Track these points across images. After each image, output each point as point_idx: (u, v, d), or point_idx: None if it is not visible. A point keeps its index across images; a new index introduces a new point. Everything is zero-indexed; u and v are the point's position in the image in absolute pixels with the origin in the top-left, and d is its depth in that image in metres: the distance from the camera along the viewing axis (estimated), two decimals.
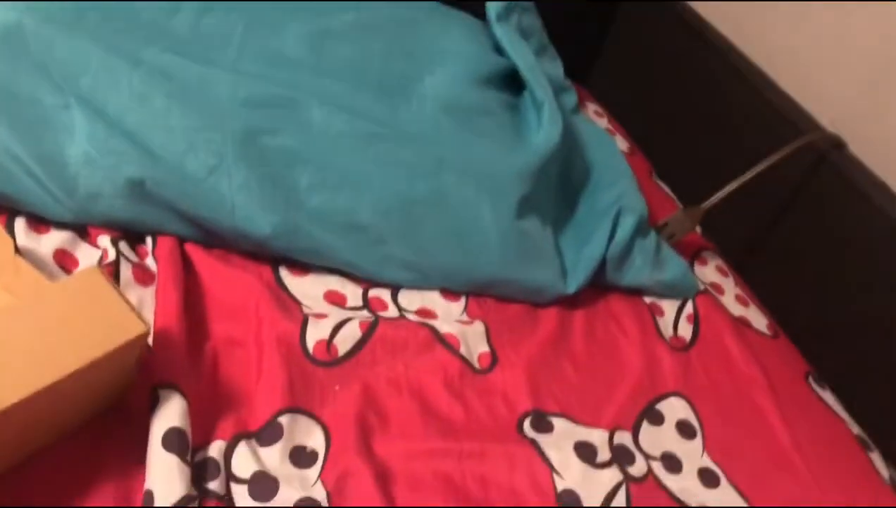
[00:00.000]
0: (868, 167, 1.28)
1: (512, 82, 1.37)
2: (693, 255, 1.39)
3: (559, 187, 1.29)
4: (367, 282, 1.13)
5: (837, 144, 1.31)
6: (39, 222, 1.01)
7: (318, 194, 1.08)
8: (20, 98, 1.01)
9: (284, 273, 1.09)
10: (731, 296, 1.33)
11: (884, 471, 1.11)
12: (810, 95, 1.38)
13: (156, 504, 0.76)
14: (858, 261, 1.28)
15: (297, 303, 1.06)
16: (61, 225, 1.02)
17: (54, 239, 1.00)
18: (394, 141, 1.14)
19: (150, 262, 1.03)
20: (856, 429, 1.17)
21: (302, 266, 1.11)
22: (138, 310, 0.80)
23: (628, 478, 0.98)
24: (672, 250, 1.29)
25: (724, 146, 1.50)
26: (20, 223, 0.99)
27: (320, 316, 1.03)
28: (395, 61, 1.27)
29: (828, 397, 1.21)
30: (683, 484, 1.01)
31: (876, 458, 1.13)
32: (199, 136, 1.05)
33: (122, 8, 1.13)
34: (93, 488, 0.79)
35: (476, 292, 1.17)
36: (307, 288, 1.09)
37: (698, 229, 1.45)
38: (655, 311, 1.24)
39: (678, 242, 1.34)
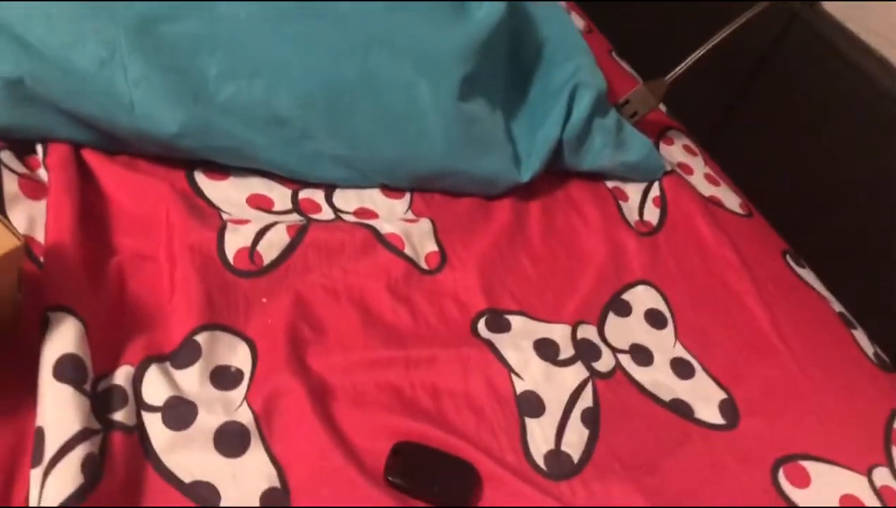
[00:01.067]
0: (841, 22, 1.17)
1: None
2: (658, 135, 1.28)
3: (508, 67, 1.16)
4: (296, 183, 1.01)
5: (792, 10, 1.19)
6: None
7: (229, 84, 0.94)
8: None
9: (200, 177, 0.97)
10: (700, 175, 1.23)
11: (868, 348, 1.04)
12: None
13: (47, 442, 0.65)
14: (836, 127, 1.18)
15: (216, 209, 0.94)
16: None
17: None
18: (314, 19, 1.00)
19: (41, 173, 0.90)
20: (838, 307, 1.09)
21: (220, 169, 0.98)
22: (9, 222, 0.68)
23: (594, 374, 0.90)
24: (635, 129, 1.18)
25: (685, 16, 1.38)
26: None
27: (241, 222, 0.92)
28: None
29: (807, 275, 1.13)
30: (655, 377, 0.92)
31: (860, 335, 1.05)
32: (85, 25, 0.91)
33: None
34: None
35: (420, 187, 1.05)
36: (227, 193, 0.96)
37: (662, 107, 1.34)
38: (619, 196, 1.14)
39: (641, 121, 1.23)
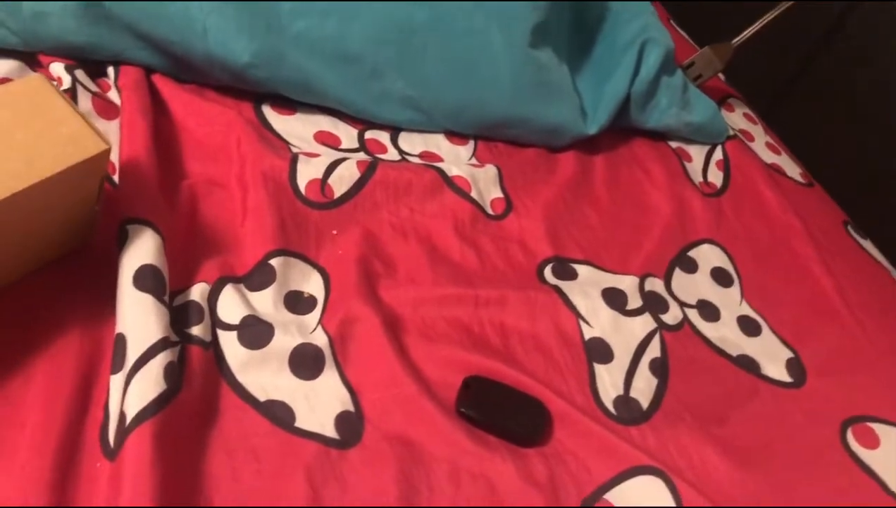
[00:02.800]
0: None
1: None
2: (719, 102, 1.26)
3: (574, 24, 1.14)
4: (362, 123, 1.00)
5: None
6: None
7: (302, 18, 0.93)
8: None
9: (268, 111, 0.96)
10: (761, 143, 1.22)
11: None
12: None
13: (129, 349, 0.64)
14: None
15: (284, 142, 0.93)
16: (7, 53, 0.87)
17: None
18: None
19: (112, 95, 0.89)
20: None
21: (288, 104, 0.97)
22: (96, 127, 0.67)
23: (662, 326, 0.88)
24: (699, 90, 1.16)
25: None
26: None
27: (311, 155, 0.91)
28: None
29: (868, 246, 1.11)
30: (722, 333, 0.91)
31: None
32: None
33: None
34: (56, 335, 0.67)
35: (486, 134, 1.04)
36: (294, 128, 0.95)
37: (721, 77, 1.32)
38: (683, 156, 1.13)
39: (703, 85, 1.21)
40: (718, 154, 1.15)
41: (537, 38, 1.03)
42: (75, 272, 0.72)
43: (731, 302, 0.95)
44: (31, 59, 0.88)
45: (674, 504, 0.72)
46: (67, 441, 0.62)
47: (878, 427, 0.86)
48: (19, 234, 0.66)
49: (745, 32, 1.20)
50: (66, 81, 0.85)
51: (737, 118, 1.25)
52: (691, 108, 1.13)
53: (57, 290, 0.70)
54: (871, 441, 0.85)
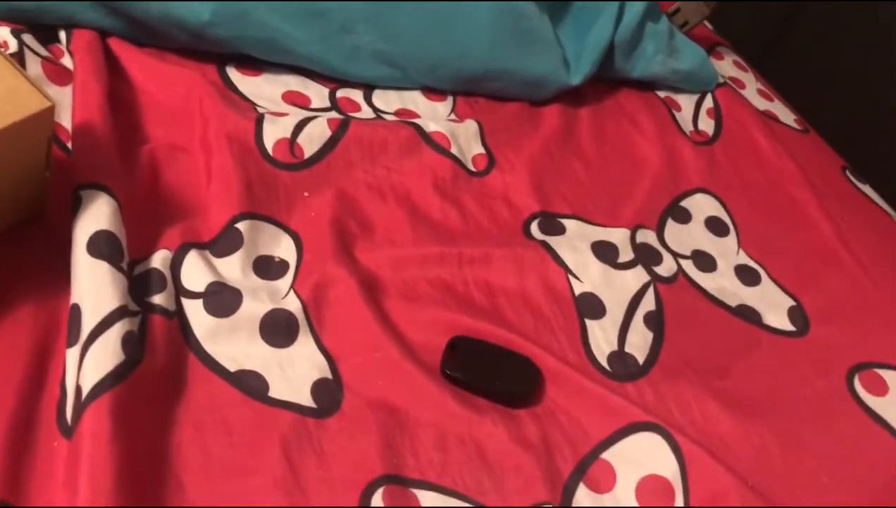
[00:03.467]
0: None
1: None
2: (707, 49, 1.21)
3: None
4: (333, 81, 0.95)
5: None
6: None
7: None
8: None
9: (232, 72, 0.91)
10: (752, 90, 1.17)
11: None
12: None
13: (84, 319, 0.60)
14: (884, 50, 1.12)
15: (250, 102, 0.88)
16: None
17: None
18: None
19: (66, 60, 0.84)
20: None
21: (253, 64, 0.92)
22: (38, 84, 0.62)
23: (656, 278, 0.84)
24: (687, 37, 1.11)
25: None
26: None
27: (279, 114, 0.86)
28: None
29: (868, 190, 1.07)
30: (719, 283, 0.87)
31: None
32: None
33: None
34: (8, 310, 0.63)
35: (465, 89, 0.99)
36: (261, 89, 0.90)
37: (709, 26, 1.27)
38: (671, 105, 1.08)
39: (691, 32, 1.17)
40: (709, 102, 1.10)
41: None
42: (28, 243, 0.68)
43: (727, 251, 0.91)
44: None
45: (675, 461, 0.68)
46: (20, 421, 0.57)
47: (886, 374, 0.82)
48: None
49: None
50: (13, 46, 0.80)
51: (726, 66, 1.20)
52: (678, 55, 1.08)
53: (8, 261, 0.66)
54: (880, 388, 0.81)
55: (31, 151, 0.65)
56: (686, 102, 1.09)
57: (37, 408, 0.59)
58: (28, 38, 0.82)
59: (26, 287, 0.65)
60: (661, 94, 1.09)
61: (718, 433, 0.72)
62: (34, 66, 0.80)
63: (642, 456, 0.68)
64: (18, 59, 0.79)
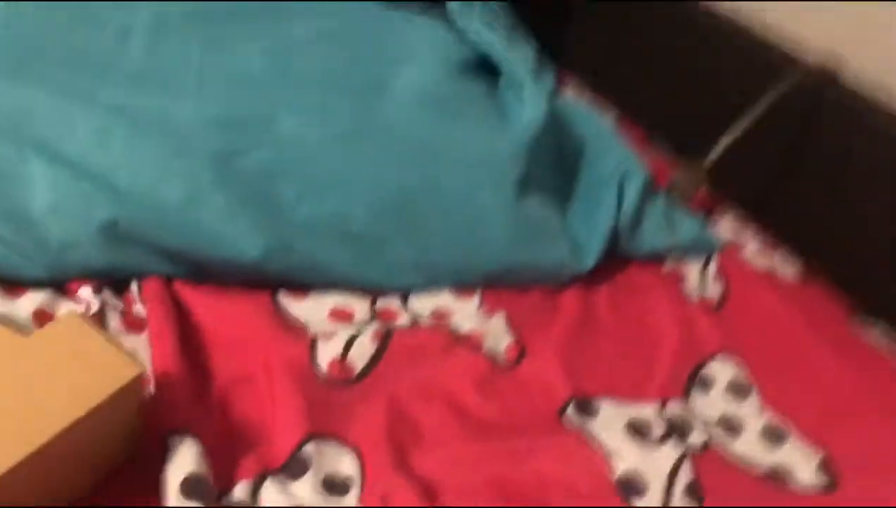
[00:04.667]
0: (867, 90, 1.22)
1: (486, 72, 1.30)
2: (706, 213, 1.31)
3: (554, 166, 1.22)
4: (372, 293, 1.05)
5: (829, 77, 1.24)
6: (13, 286, 0.93)
7: (304, 205, 1.01)
8: None
9: (283, 298, 1.01)
10: (753, 247, 1.26)
11: None
12: (794, 30, 1.33)
13: None
14: (880, 188, 1.21)
15: (302, 326, 0.98)
16: (37, 284, 0.93)
17: (31, 300, 0.91)
18: (375, 137, 1.07)
19: (138, 308, 0.94)
20: None
21: (301, 288, 1.03)
22: (128, 351, 0.72)
23: (689, 449, 0.91)
24: (684, 209, 1.22)
25: (715, 100, 1.43)
26: None
27: (329, 335, 0.96)
28: (363, 64, 1.21)
29: (879, 333, 1.14)
30: (749, 447, 0.93)
31: None
32: (169, 165, 0.98)
33: (67, 46, 1.07)
34: None
35: (489, 284, 1.09)
36: (310, 310, 1.00)
37: (706, 187, 1.38)
38: (678, 275, 1.17)
39: (689, 202, 1.27)
40: (713, 267, 1.19)
41: (523, 189, 1.10)
42: (126, 485, 0.75)
43: (752, 413, 0.97)
44: (60, 286, 0.94)
45: None
46: None
47: None
48: (71, 461, 0.70)
49: (717, 147, 1.26)
50: (95, 305, 0.91)
51: (726, 227, 1.30)
52: (678, 228, 1.19)
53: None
54: None
55: (126, 409, 0.74)
56: (691, 270, 1.18)
57: None
58: (107, 295, 0.93)
59: None
60: (668, 266, 1.18)
61: None
62: (114, 320, 0.91)
63: None
64: (100, 316, 0.90)
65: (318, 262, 1.01)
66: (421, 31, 1.29)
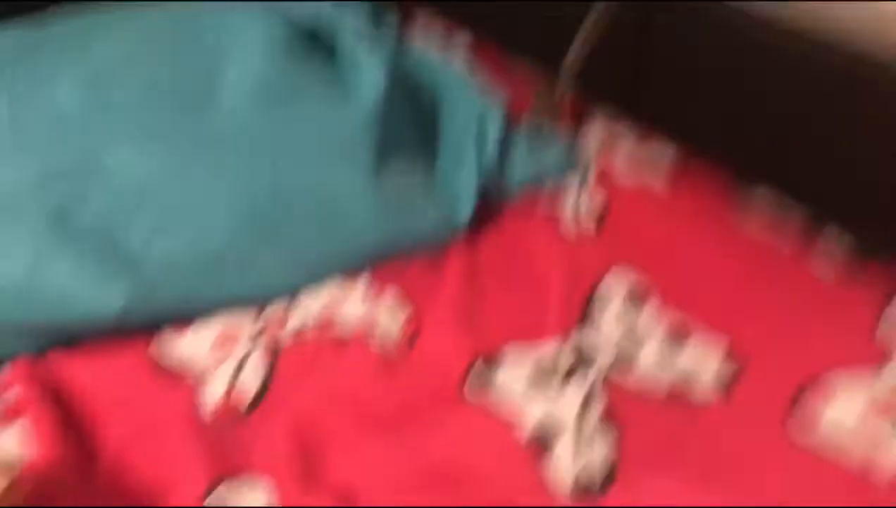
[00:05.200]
0: None
1: (321, 47, 1.24)
2: (576, 124, 1.29)
3: (413, 125, 1.18)
4: (256, 307, 1.01)
5: None
6: None
7: (158, 242, 0.96)
8: None
9: (162, 341, 0.97)
10: (629, 141, 1.24)
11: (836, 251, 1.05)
12: None
13: None
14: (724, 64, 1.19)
15: (185, 367, 0.94)
16: None
17: None
18: (214, 149, 1.02)
19: (8, 395, 0.90)
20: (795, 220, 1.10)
21: (180, 324, 0.99)
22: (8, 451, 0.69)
23: (597, 377, 0.91)
24: (551, 131, 1.20)
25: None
26: None
27: (215, 368, 0.93)
28: (187, 71, 1.13)
29: (755, 199, 1.14)
30: (656, 357, 0.93)
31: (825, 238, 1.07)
32: (1, 239, 0.92)
33: None
34: None
35: (372, 264, 1.06)
36: (192, 346, 0.96)
37: (571, 93, 1.35)
38: (557, 202, 1.15)
39: (557, 117, 1.25)
40: (589, 185, 1.17)
41: (381, 159, 1.06)
42: None
43: (652, 317, 0.97)
44: None
45: None
46: None
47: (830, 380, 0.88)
48: None
49: (568, 55, 1.23)
50: None
51: (598, 129, 1.27)
52: (545, 156, 1.17)
53: None
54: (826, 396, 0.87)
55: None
56: (568, 193, 1.16)
57: None
58: None
59: None
60: (545, 192, 1.16)
61: None
62: None
63: None
64: None
65: (188, 295, 0.97)
66: (241, 20, 1.21)
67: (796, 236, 1.07)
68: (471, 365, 0.93)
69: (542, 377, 0.91)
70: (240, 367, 0.92)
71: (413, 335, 0.97)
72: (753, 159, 1.20)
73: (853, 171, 1.08)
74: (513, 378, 0.91)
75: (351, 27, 1.18)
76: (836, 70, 1.06)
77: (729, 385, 0.90)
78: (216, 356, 0.95)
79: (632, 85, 1.31)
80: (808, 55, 1.08)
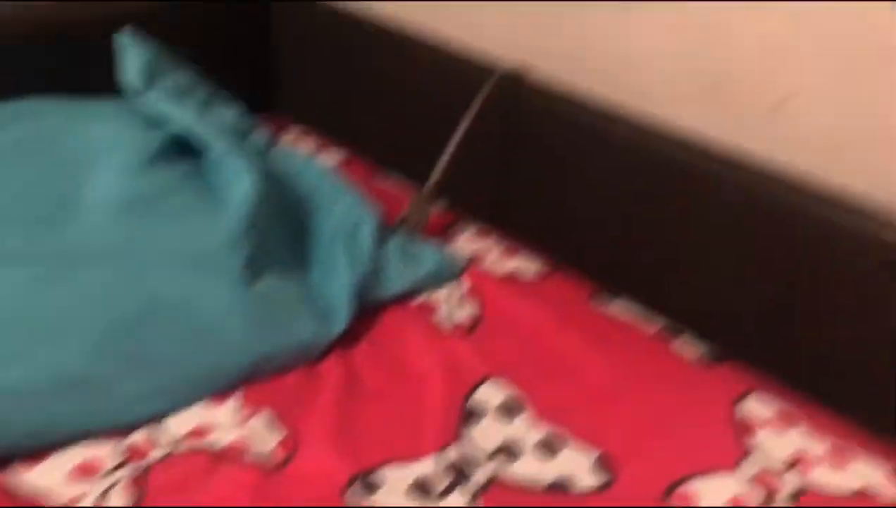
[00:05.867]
0: (556, 84, 1.28)
1: (191, 152, 1.23)
2: (445, 233, 1.33)
3: (282, 231, 1.18)
4: (120, 433, 0.96)
5: (520, 81, 1.30)
6: None
7: (12, 369, 0.91)
8: None
9: (16, 472, 0.90)
10: (496, 255, 1.29)
11: (692, 353, 1.12)
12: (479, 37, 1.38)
13: None
14: (585, 169, 1.28)
15: (41, 502, 0.87)
16: None
17: None
18: (74, 267, 0.99)
19: None
20: (654, 327, 1.17)
21: (36, 454, 0.92)
22: None
23: (478, 491, 0.91)
24: (422, 240, 1.23)
25: (430, 120, 1.45)
26: None
27: (73, 502, 0.86)
28: (44, 184, 1.10)
29: (619, 307, 1.21)
30: (529, 466, 0.95)
31: (681, 343, 1.14)
32: None
33: None
34: None
35: (244, 381, 1.04)
36: (48, 477, 0.90)
37: (440, 208, 1.40)
38: (430, 308, 1.17)
39: (424, 229, 1.29)
40: (461, 290, 1.21)
41: (252, 272, 1.06)
42: None
43: (525, 430, 1.00)
44: None
45: None
46: None
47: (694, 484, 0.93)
48: None
49: (436, 169, 1.28)
50: None
51: (467, 241, 1.32)
52: (419, 261, 1.20)
53: None
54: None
55: None
56: (441, 298, 1.19)
57: None
58: None
59: None
60: (419, 300, 1.19)
61: None
62: None
63: None
64: None
65: (46, 422, 0.91)
66: (106, 131, 1.19)
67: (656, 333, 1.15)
68: (348, 485, 0.91)
69: (421, 496, 0.90)
70: (102, 498, 0.86)
71: (288, 457, 0.95)
72: (618, 271, 1.28)
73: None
74: (394, 493, 0.90)
75: (219, 133, 1.18)
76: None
77: (603, 488, 0.93)
78: (76, 489, 0.89)
79: (497, 198, 1.39)
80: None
